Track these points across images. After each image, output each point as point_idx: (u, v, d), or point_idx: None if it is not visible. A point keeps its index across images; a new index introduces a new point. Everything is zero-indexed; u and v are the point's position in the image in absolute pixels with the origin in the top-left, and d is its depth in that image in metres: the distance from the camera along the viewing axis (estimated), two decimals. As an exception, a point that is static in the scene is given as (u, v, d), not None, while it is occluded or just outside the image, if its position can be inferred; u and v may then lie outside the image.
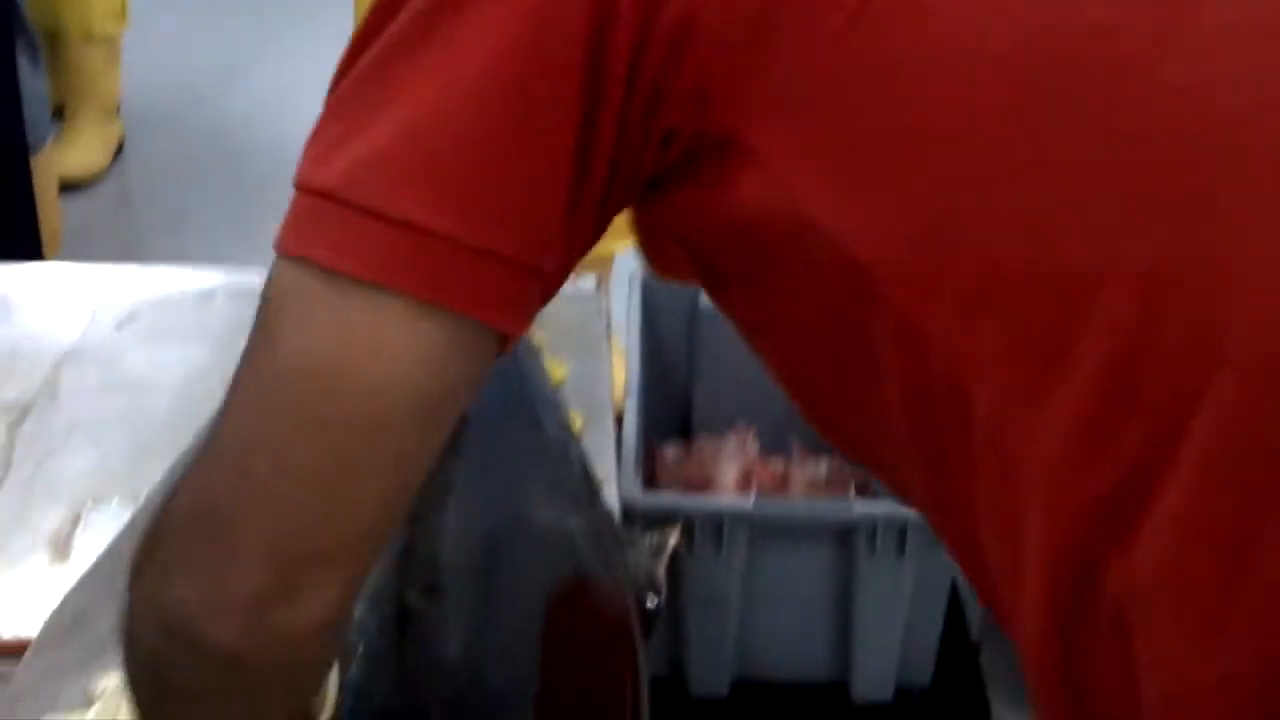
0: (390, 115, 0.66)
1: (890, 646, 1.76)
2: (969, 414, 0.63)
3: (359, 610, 0.95)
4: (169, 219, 3.02)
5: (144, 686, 0.71)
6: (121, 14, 3.01)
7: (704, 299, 2.21)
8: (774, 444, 2.11)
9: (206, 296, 1.55)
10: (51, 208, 2.48)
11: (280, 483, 0.66)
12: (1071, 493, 0.60)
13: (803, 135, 0.63)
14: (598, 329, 1.49)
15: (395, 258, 0.64)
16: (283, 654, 0.67)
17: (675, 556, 1.35)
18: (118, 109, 3.12)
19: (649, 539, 1.27)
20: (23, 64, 2.32)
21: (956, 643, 1.88)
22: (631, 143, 0.66)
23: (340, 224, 0.65)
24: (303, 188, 0.68)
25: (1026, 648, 0.66)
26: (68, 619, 1.06)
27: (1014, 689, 1.82)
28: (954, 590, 1.75)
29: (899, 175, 0.62)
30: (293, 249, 0.67)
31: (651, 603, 1.15)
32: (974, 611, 1.76)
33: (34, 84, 2.37)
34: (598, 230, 0.69)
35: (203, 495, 0.68)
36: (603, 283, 1.63)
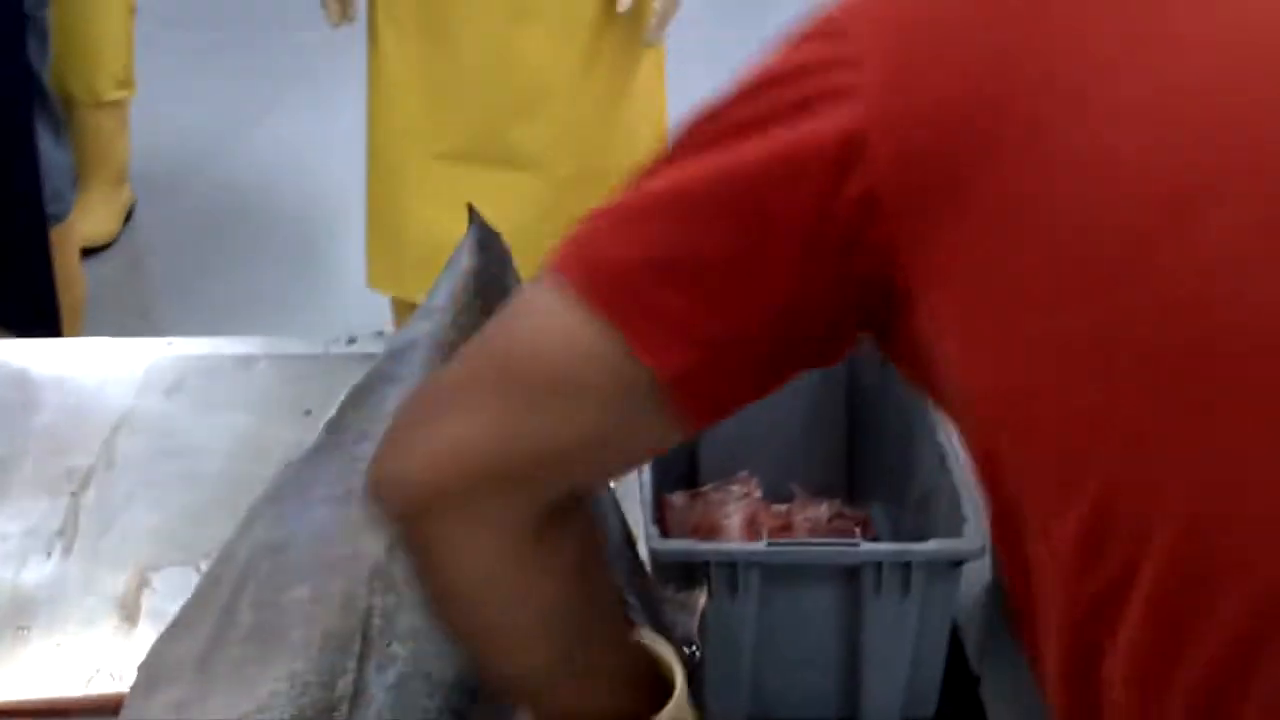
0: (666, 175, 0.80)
1: (897, 680, 1.84)
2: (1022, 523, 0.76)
3: (435, 701, 1.02)
4: (180, 283, 3.10)
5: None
6: (129, 81, 3.10)
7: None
8: (776, 491, 2.21)
9: (248, 363, 1.64)
10: (74, 278, 2.56)
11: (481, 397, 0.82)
12: (1076, 587, 0.74)
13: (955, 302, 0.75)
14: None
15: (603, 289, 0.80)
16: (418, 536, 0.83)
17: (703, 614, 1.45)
18: (127, 175, 3.20)
19: (680, 595, 1.36)
20: (45, 136, 2.41)
21: (958, 675, 1.96)
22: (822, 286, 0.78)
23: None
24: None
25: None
26: (156, 671, 1.14)
27: (1011, 718, 1.92)
28: (954, 626, 1.85)
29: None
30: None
31: (693, 655, 1.24)
32: (973, 646, 1.86)
33: (58, 156, 2.45)
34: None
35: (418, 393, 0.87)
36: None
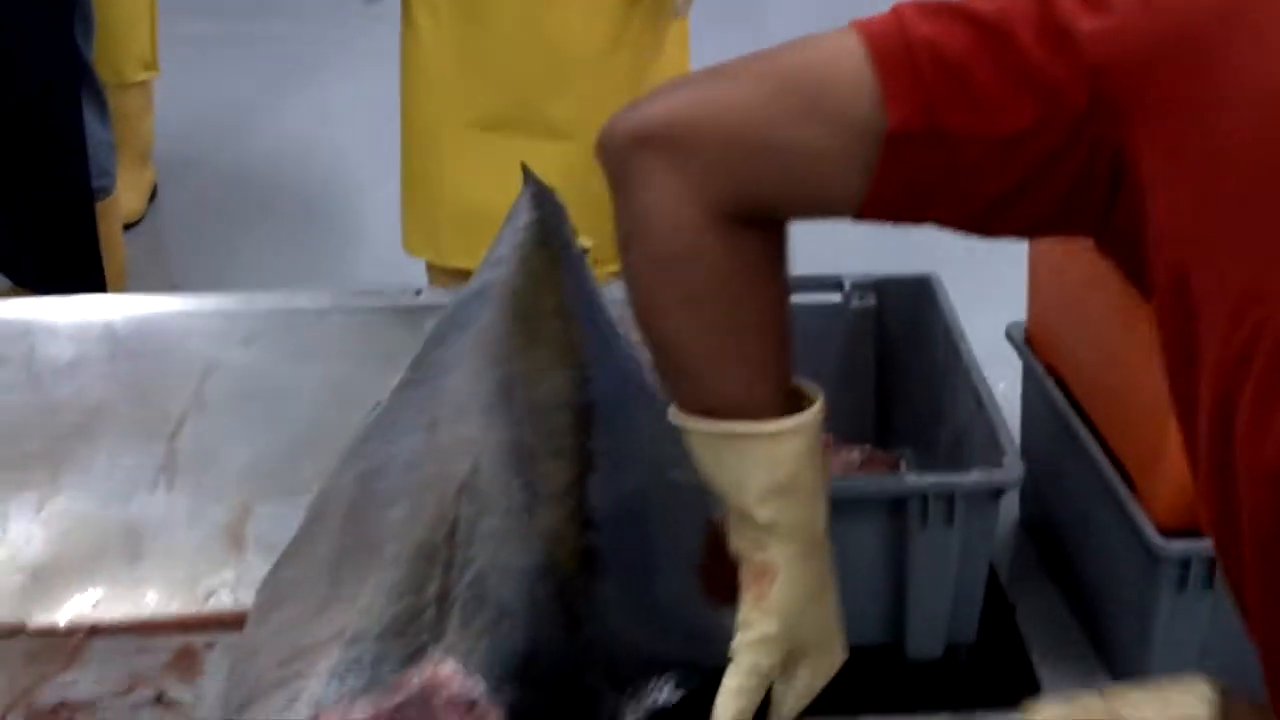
0: None
1: (941, 608, 1.92)
2: None
3: (488, 618, 1.09)
4: (205, 258, 3.18)
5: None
6: (153, 62, 3.17)
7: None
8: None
9: (321, 315, 1.72)
10: (117, 247, 2.64)
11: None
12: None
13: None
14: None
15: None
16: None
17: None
18: (151, 154, 3.28)
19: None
20: (90, 115, 2.49)
21: (994, 604, 2.05)
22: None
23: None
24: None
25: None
26: (273, 594, 1.22)
27: (1046, 643, 2.02)
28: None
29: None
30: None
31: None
32: (1007, 576, 1.95)
33: (102, 134, 2.53)
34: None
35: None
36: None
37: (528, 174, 1.76)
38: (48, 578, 1.36)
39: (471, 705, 0.94)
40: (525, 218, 1.63)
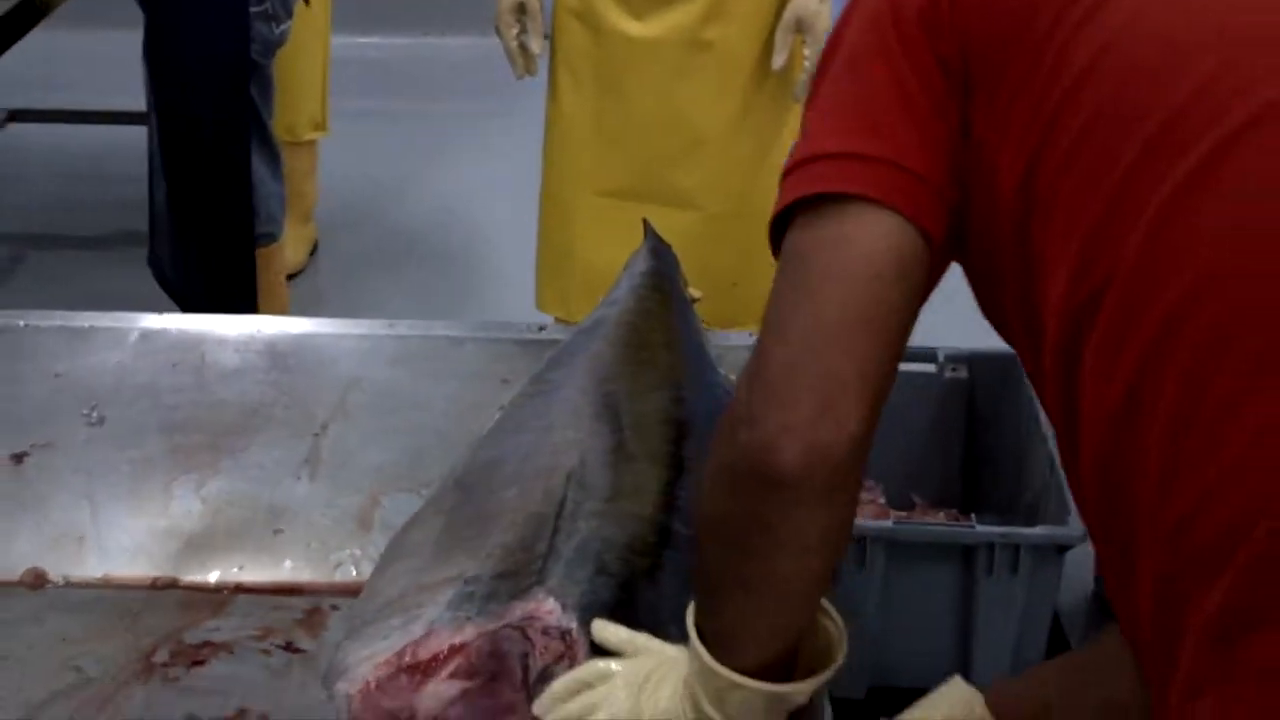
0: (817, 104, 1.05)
1: (1004, 653, 2.05)
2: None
3: (587, 572, 1.26)
4: (356, 307, 3.41)
5: (719, 526, 1.02)
6: (323, 123, 3.43)
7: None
8: (898, 500, 2.44)
9: (458, 343, 1.92)
10: (281, 292, 2.88)
11: (813, 334, 0.98)
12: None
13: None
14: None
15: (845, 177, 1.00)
16: (826, 469, 0.96)
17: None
18: (313, 212, 3.53)
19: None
20: (263, 168, 2.74)
21: (1059, 651, 2.16)
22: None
23: (784, 184, 1.03)
24: (799, 162, 1.03)
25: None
26: (396, 551, 1.40)
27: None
28: (1055, 612, 2.06)
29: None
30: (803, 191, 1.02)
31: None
32: (1073, 624, 2.07)
33: (273, 185, 2.78)
34: (949, 140, 1.01)
35: (756, 362, 1.00)
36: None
37: (648, 228, 1.95)
38: (202, 545, 1.56)
39: (565, 634, 1.11)
40: (643, 266, 1.82)
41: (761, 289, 2.54)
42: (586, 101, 2.64)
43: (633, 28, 2.55)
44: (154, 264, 2.81)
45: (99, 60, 4.13)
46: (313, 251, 3.57)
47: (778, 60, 2.53)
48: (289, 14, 2.77)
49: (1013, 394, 2.34)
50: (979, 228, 1.02)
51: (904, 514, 2.44)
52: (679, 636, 1.15)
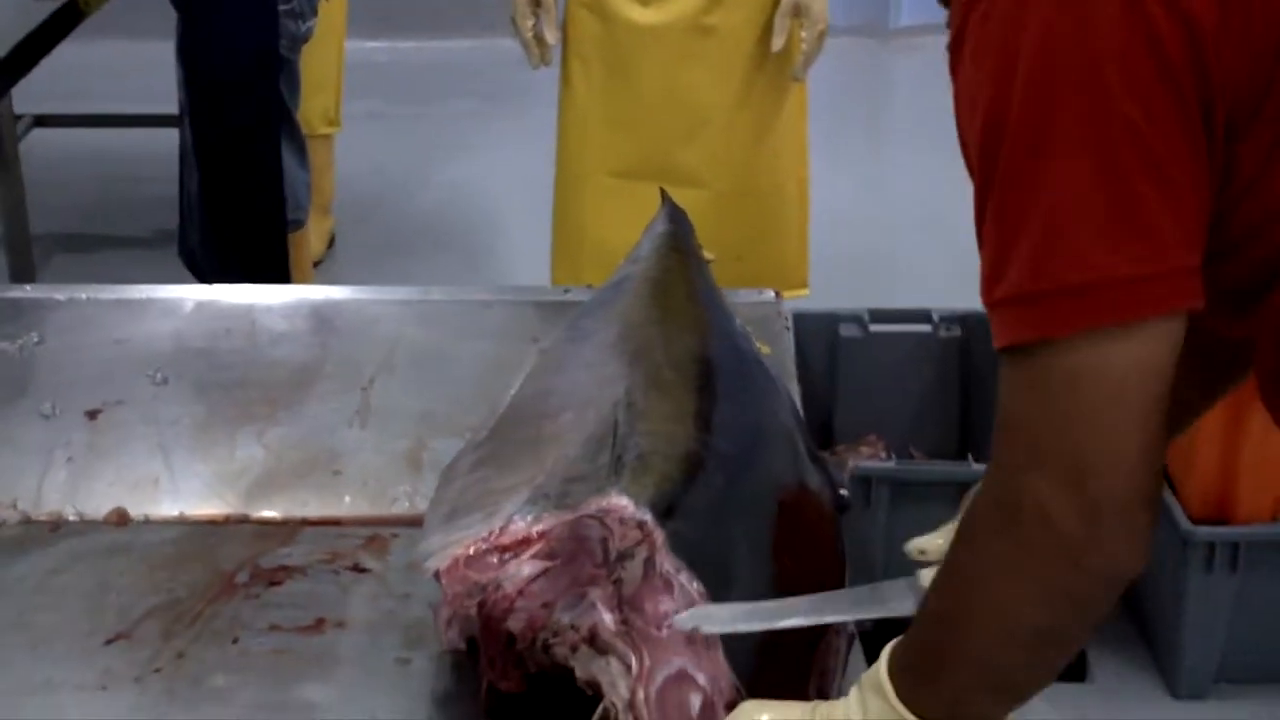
0: (1039, 208, 0.98)
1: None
2: None
3: (652, 478, 1.39)
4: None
5: (1024, 638, 1.06)
6: (336, 119, 3.59)
7: (843, 330, 2.69)
8: (899, 452, 2.60)
9: (486, 305, 2.07)
10: (308, 276, 3.03)
11: (1139, 464, 1.00)
12: None
13: None
14: (778, 324, 2.01)
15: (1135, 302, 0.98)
16: (1113, 562, 1.02)
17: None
18: (331, 203, 3.69)
19: (835, 457, 1.75)
20: (291, 157, 2.89)
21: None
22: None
23: (1049, 307, 0.99)
24: (1003, 301, 1.01)
25: None
26: (457, 469, 1.53)
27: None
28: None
29: None
30: (1027, 337, 1.00)
31: (844, 492, 1.63)
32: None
33: (300, 174, 2.94)
34: (1208, 203, 1.00)
35: (1084, 495, 1.00)
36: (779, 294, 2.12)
37: (665, 196, 2.11)
38: (267, 485, 1.70)
39: (641, 524, 1.24)
40: (661, 228, 1.97)
41: (763, 261, 2.81)
42: (596, 87, 2.80)
43: (639, 15, 2.71)
44: (185, 254, 2.96)
45: (120, 70, 4.31)
46: (330, 244, 3.72)
47: (777, 43, 2.69)
48: (314, 11, 2.92)
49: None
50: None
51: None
52: (742, 539, 1.31)
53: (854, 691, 1.17)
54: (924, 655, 1.13)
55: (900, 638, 1.16)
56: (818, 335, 2.58)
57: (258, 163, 2.81)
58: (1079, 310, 0.98)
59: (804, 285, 2.84)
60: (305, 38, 2.95)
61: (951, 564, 1.12)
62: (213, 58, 2.74)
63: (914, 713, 1.12)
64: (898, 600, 1.30)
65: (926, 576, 1.29)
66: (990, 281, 1.02)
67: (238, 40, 2.74)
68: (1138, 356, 0.99)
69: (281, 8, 2.81)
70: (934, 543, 1.39)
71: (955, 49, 1.06)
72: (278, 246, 2.85)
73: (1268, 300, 1.06)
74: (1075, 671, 2.30)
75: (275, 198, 2.83)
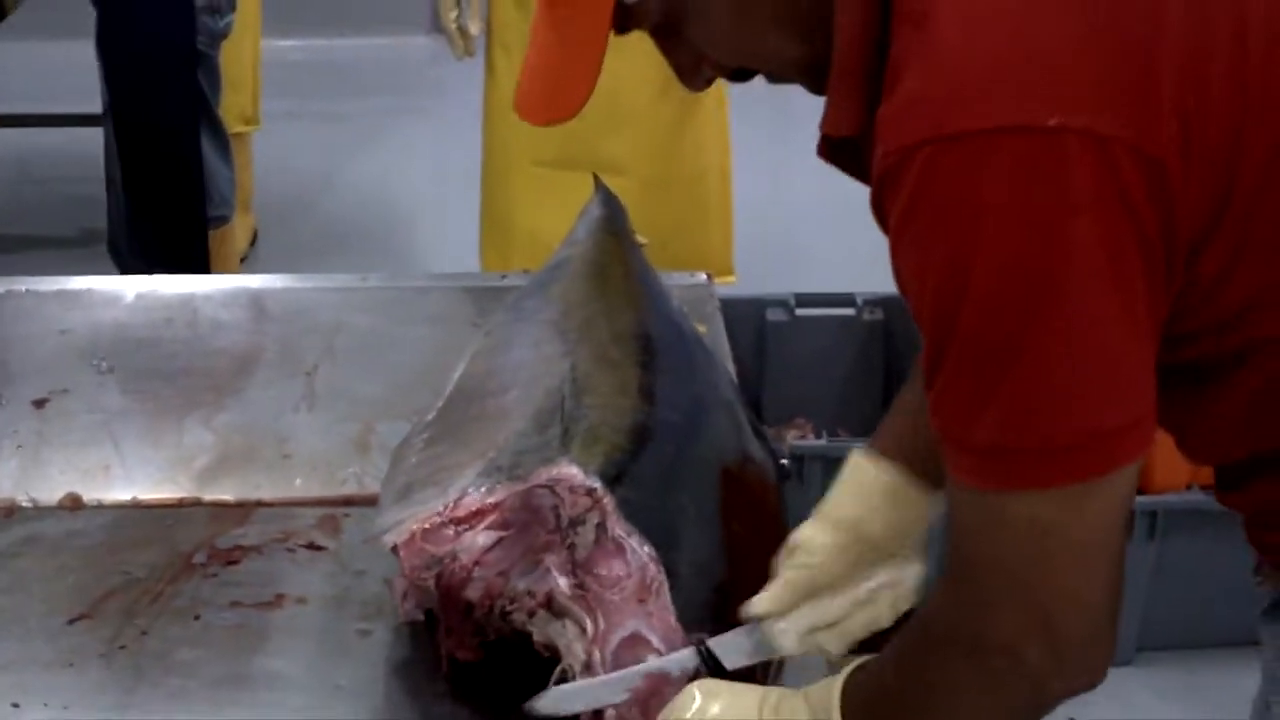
0: (1017, 374, 0.98)
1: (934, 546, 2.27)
2: None
3: (601, 448, 1.44)
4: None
5: (917, 682, 1.10)
6: (254, 117, 3.60)
7: (770, 314, 2.74)
8: (827, 433, 2.66)
9: (424, 291, 2.11)
10: (234, 271, 3.04)
11: (1103, 603, 1.05)
12: None
13: None
14: (711, 306, 2.06)
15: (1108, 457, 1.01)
16: (1074, 688, 1.05)
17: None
18: (251, 203, 3.69)
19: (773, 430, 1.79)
20: (213, 153, 2.91)
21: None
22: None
23: (1030, 463, 1.01)
24: (983, 450, 1.02)
25: None
26: (408, 448, 1.57)
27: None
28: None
29: None
30: (1013, 485, 1.01)
31: (784, 461, 1.69)
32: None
33: (223, 169, 2.95)
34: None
35: (1053, 631, 1.04)
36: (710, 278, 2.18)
37: (598, 182, 2.15)
38: (218, 469, 1.73)
39: (591, 491, 1.29)
40: (597, 211, 2.02)
41: (689, 248, 2.85)
42: (518, 73, 2.83)
43: (563, 6, 2.75)
44: (114, 252, 2.97)
45: (39, 70, 4.28)
46: (253, 241, 3.73)
47: (697, 33, 2.74)
48: (232, 7, 2.94)
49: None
50: None
51: (832, 443, 2.65)
52: (689, 505, 1.37)
53: (802, 704, 1.20)
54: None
55: (858, 673, 1.19)
56: (745, 320, 2.64)
57: (178, 157, 2.82)
58: (1064, 468, 1.01)
59: (730, 272, 2.90)
60: (224, 33, 2.96)
61: (908, 666, 1.14)
62: (131, 51, 2.74)
63: None
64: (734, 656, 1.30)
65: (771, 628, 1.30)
66: (960, 421, 1.02)
67: (156, 32, 2.74)
68: (1109, 503, 1.03)
69: (199, 3, 2.82)
70: (816, 540, 1.34)
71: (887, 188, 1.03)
72: (198, 240, 2.86)
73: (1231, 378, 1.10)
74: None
75: (196, 192, 2.84)
